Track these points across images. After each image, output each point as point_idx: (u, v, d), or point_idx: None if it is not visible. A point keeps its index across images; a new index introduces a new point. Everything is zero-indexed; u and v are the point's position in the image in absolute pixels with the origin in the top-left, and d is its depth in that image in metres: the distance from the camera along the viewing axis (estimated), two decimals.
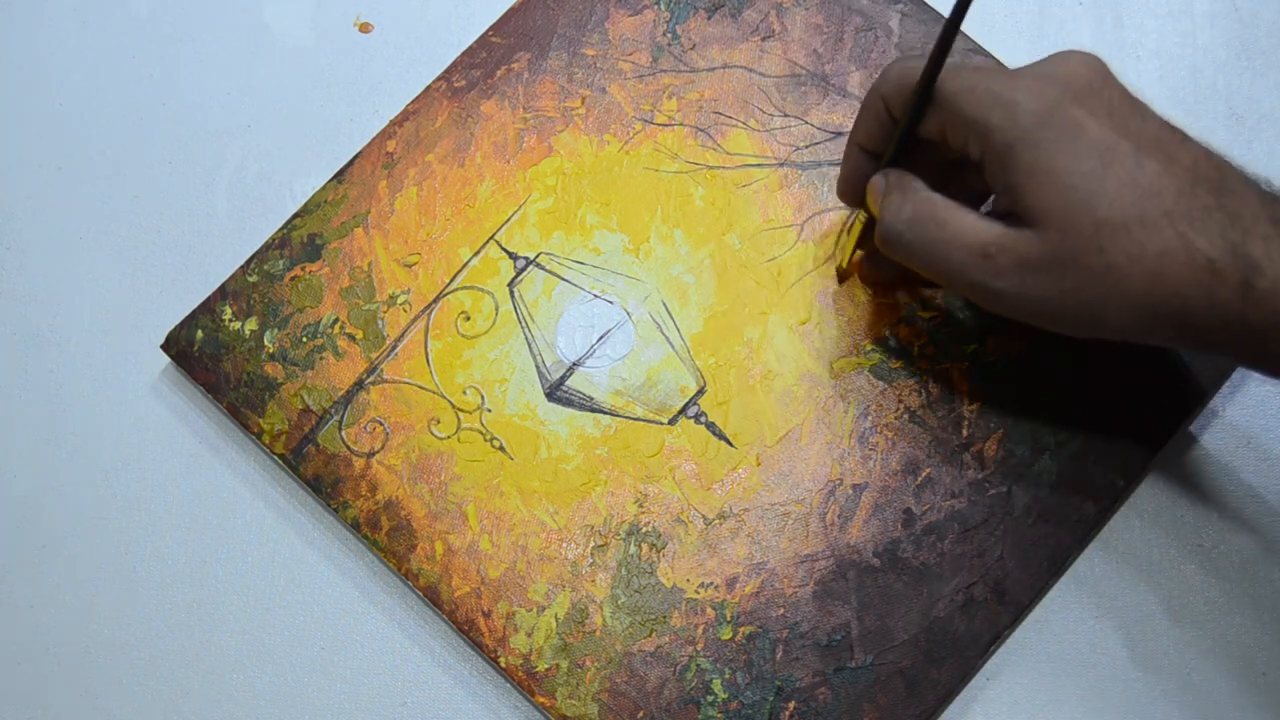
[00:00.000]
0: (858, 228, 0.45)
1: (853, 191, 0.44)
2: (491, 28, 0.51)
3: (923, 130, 0.41)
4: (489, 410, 0.46)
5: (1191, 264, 0.36)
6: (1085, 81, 0.39)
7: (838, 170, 0.48)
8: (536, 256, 0.48)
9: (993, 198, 0.42)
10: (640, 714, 0.43)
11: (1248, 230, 0.36)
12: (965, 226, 0.40)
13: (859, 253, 0.46)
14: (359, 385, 0.47)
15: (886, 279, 0.47)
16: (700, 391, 0.46)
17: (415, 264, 0.48)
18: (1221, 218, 0.36)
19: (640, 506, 0.45)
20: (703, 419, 0.46)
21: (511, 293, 0.48)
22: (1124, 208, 0.37)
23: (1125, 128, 0.38)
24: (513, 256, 0.48)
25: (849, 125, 0.49)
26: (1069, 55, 0.40)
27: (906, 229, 0.40)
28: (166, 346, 0.48)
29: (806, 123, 0.49)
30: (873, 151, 0.43)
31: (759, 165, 0.49)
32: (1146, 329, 0.38)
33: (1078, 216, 0.37)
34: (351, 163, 0.50)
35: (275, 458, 0.46)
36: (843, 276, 0.47)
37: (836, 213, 0.48)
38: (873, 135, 0.43)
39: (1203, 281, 0.36)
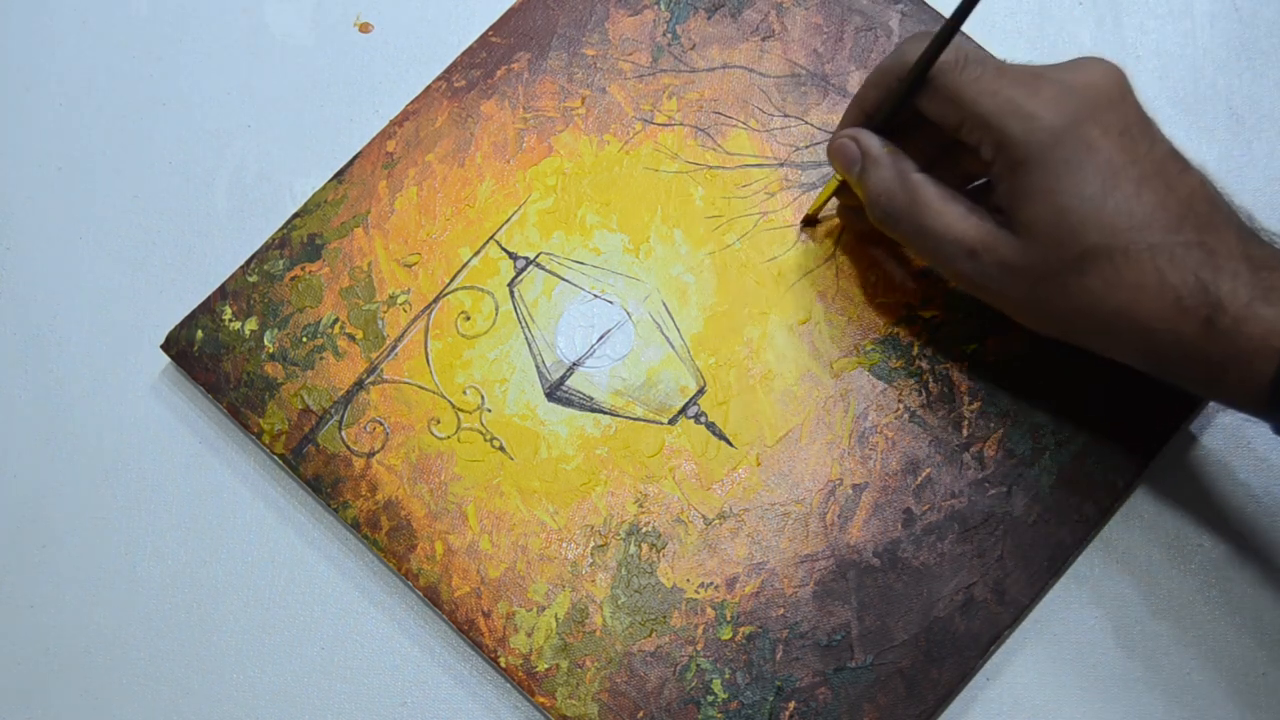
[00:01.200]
0: (831, 187, 0.46)
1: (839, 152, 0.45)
2: (491, 28, 0.51)
3: (930, 112, 0.42)
4: (489, 410, 0.46)
5: (1161, 298, 0.37)
6: (1105, 96, 0.39)
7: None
8: (536, 256, 0.48)
9: (989, 182, 0.43)
10: (640, 714, 0.43)
11: (1220, 268, 0.37)
12: (955, 221, 0.41)
13: (835, 202, 0.47)
14: (359, 385, 0.47)
15: (864, 231, 0.47)
16: (700, 391, 0.46)
17: (415, 264, 0.48)
18: (1200, 254, 0.37)
19: (640, 506, 0.45)
20: (703, 419, 0.46)
21: (511, 293, 0.48)
22: (1113, 237, 0.38)
23: (1134, 150, 0.39)
24: (513, 256, 0.48)
25: None
26: (1092, 65, 0.40)
27: (901, 214, 0.42)
28: (166, 346, 0.48)
29: (806, 123, 0.49)
30: (870, 116, 0.44)
31: (759, 165, 0.49)
32: (1111, 348, 0.40)
33: (1067, 239, 0.38)
34: (351, 163, 0.50)
35: (275, 458, 0.46)
36: (807, 222, 0.48)
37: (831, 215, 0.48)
38: (874, 104, 0.43)
39: (1169, 316, 0.37)
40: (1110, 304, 0.38)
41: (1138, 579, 0.45)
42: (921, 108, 0.42)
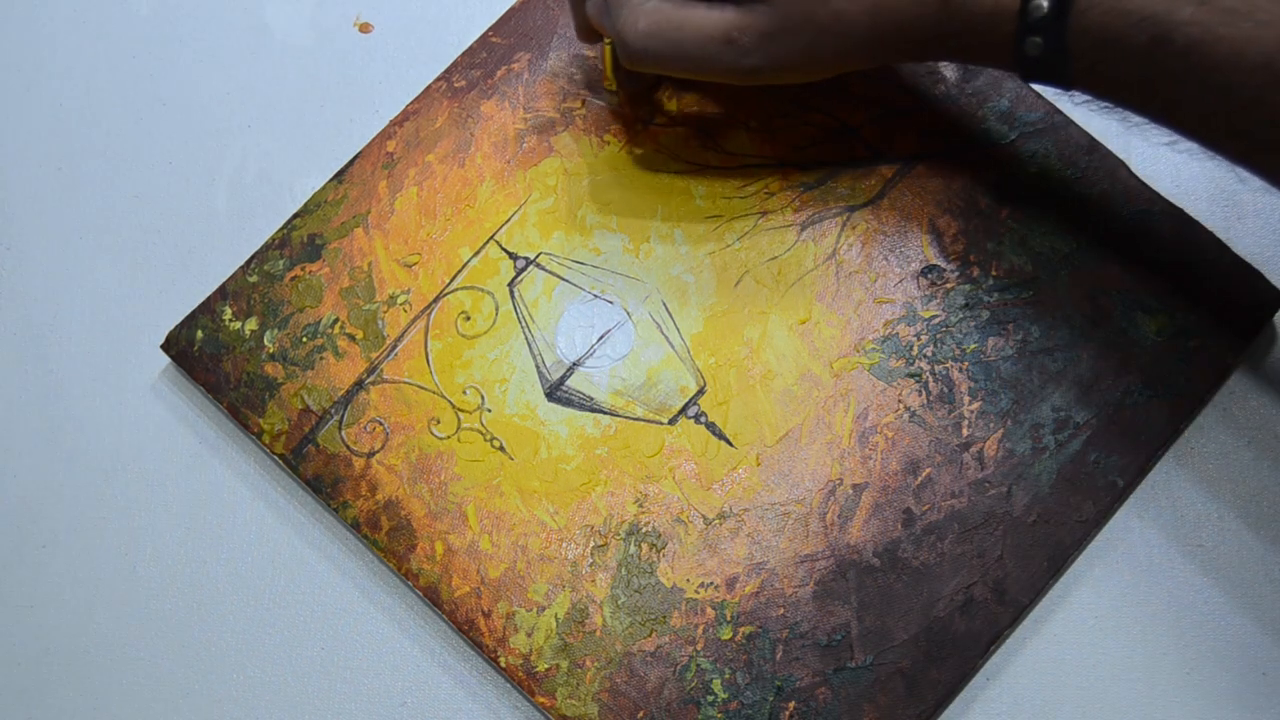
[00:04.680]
0: (607, 53, 0.47)
1: (585, 30, 0.48)
2: (491, 28, 0.51)
3: None
4: (489, 410, 0.46)
5: None
6: None
7: (837, 171, 0.49)
8: (536, 256, 0.48)
9: None
10: (640, 714, 0.43)
11: None
12: (702, 21, 0.43)
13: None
14: (359, 385, 0.47)
15: (641, 89, 0.49)
16: (700, 391, 0.46)
17: (415, 264, 0.48)
18: None
19: (640, 506, 0.45)
20: (703, 419, 0.46)
21: (511, 293, 0.48)
22: None
23: None
24: (513, 256, 0.48)
25: (849, 124, 0.49)
26: None
27: (648, 42, 0.44)
28: (166, 346, 0.48)
29: (806, 123, 0.49)
30: None
31: (759, 165, 0.49)
32: (877, 54, 0.43)
33: None
34: (351, 163, 0.50)
35: (275, 458, 0.46)
36: (614, 94, 0.49)
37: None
38: None
39: (910, 6, 0.41)
40: (862, 15, 0.42)
41: (1137, 579, 0.45)
42: None
